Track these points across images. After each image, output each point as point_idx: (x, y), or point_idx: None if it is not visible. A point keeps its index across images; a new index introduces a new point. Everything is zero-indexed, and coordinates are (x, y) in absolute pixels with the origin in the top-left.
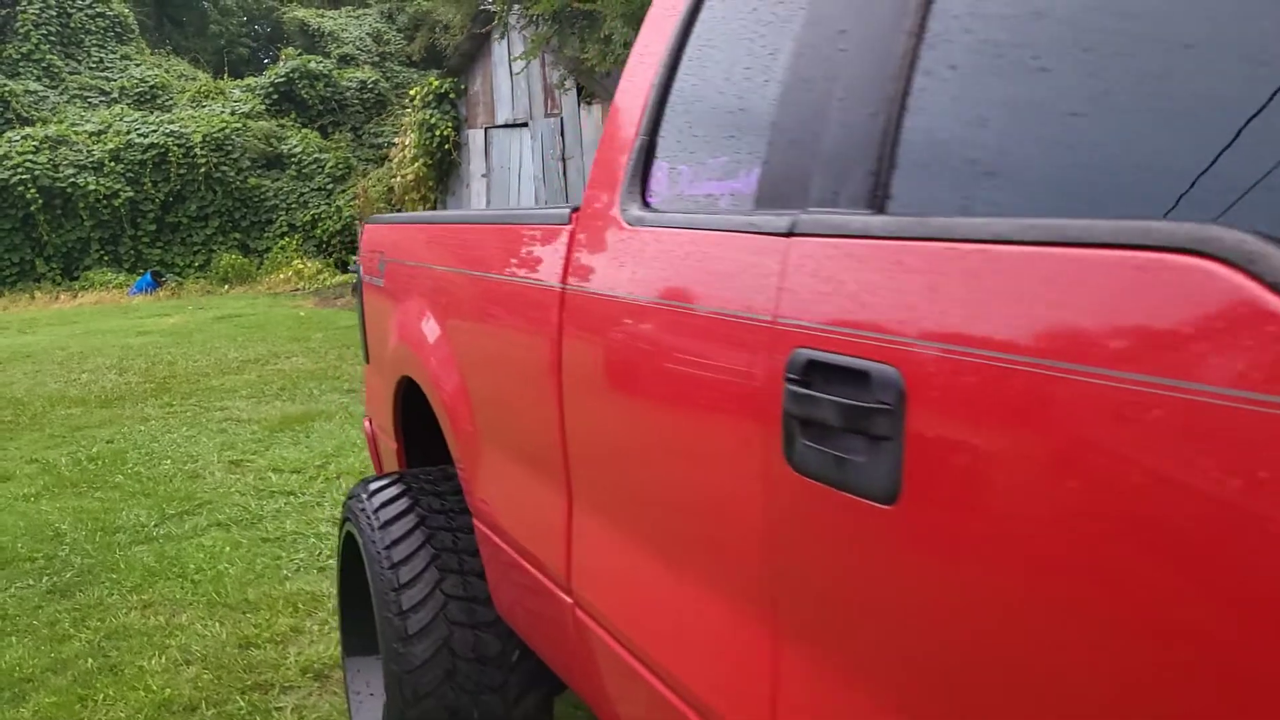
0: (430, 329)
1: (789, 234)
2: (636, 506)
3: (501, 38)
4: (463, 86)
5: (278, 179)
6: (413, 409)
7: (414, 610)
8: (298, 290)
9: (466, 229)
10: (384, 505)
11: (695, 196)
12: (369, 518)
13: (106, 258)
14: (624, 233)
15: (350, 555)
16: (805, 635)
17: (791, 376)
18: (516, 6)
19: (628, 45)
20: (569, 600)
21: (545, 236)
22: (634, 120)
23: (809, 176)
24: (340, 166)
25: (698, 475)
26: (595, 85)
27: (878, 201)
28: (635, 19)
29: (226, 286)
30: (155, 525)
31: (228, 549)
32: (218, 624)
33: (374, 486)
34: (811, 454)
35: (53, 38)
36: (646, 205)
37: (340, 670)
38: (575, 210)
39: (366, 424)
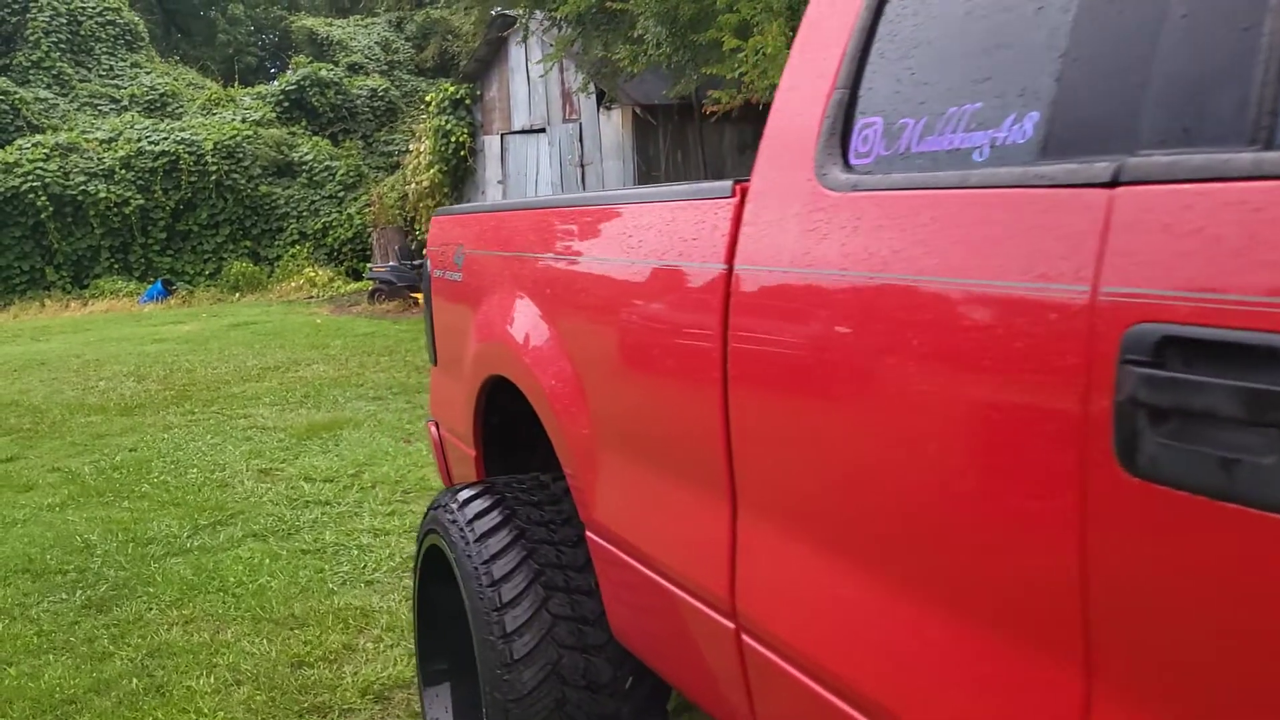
0: (532, 324)
1: (1113, 184)
2: (846, 519)
3: (523, 42)
4: (478, 92)
5: (289, 187)
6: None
7: (519, 633)
8: (311, 298)
9: (583, 212)
10: (479, 516)
11: (931, 153)
12: (462, 530)
13: (117, 266)
14: (827, 200)
15: (432, 572)
16: (1140, 693)
17: (1133, 358)
18: (538, 11)
19: (660, 46)
20: (730, 625)
21: (699, 214)
22: (826, 73)
23: (1134, 113)
24: (351, 174)
25: (957, 485)
26: (615, 90)
27: (1262, 135)
28: (669, 18)
29: (237, 294)
30: (188, 536)
31: (267, 561)
32: (265, 641)
33: (464, 496)
34: (1175, 455)
35: (63, 45)
36: (849, 168)
37: (403, 692)
38: (740, 183)
39: (432, 429)
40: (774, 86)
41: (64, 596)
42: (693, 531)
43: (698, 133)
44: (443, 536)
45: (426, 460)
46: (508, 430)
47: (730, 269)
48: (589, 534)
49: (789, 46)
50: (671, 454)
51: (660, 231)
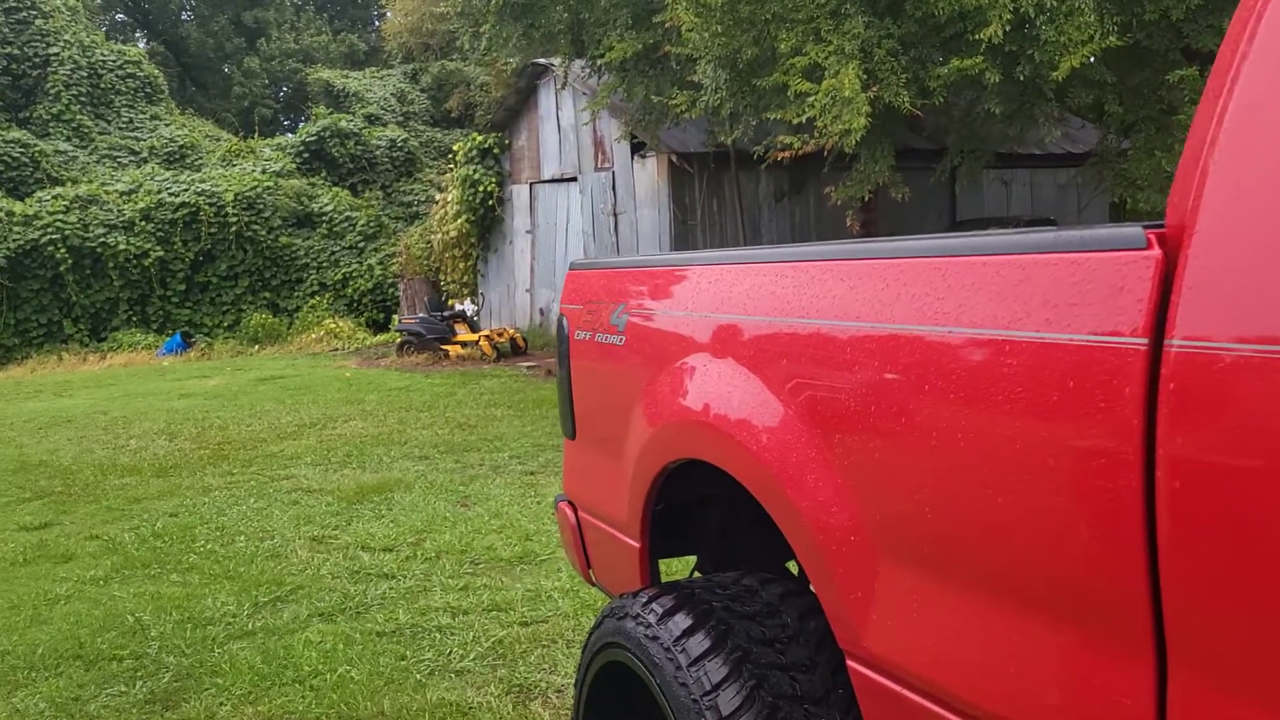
0: (758, 402)
1: None
2: None
3: (564, 88)
4: (507, 141)
5: (308, 237)
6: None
7: None
8: (336, 350)
9: (851, 268)
10: (688, 634)
11: None
12: (668, 651)
13: (135, 318)
14: None
15: (611, 695)
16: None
17: None
18: (577, 61)
19: (719, 90)
20: None
21: (1083, 270)
22: None
23: None
24: (371, 225)
25: None
26: (656, 138)
27: None
28: (730, 62)
29: (256, 347)
30: (248, 615)
31: (341, 646)
32: None
33: (663, 606)
34: None
35: (83, 98)
36: None
37: None
38: (1154, 229)
39: (566, 510)
40: (848, 131)
41: (123, 688)
42: (1072, 686)
43: (734, 181)
44: (636, 655)
45: (488, 526)
46: (669, 516)
47: (1157, 344)
48: (854, 665)
49: (863, 89)
50: (1030, 583)
51: (999, 292)
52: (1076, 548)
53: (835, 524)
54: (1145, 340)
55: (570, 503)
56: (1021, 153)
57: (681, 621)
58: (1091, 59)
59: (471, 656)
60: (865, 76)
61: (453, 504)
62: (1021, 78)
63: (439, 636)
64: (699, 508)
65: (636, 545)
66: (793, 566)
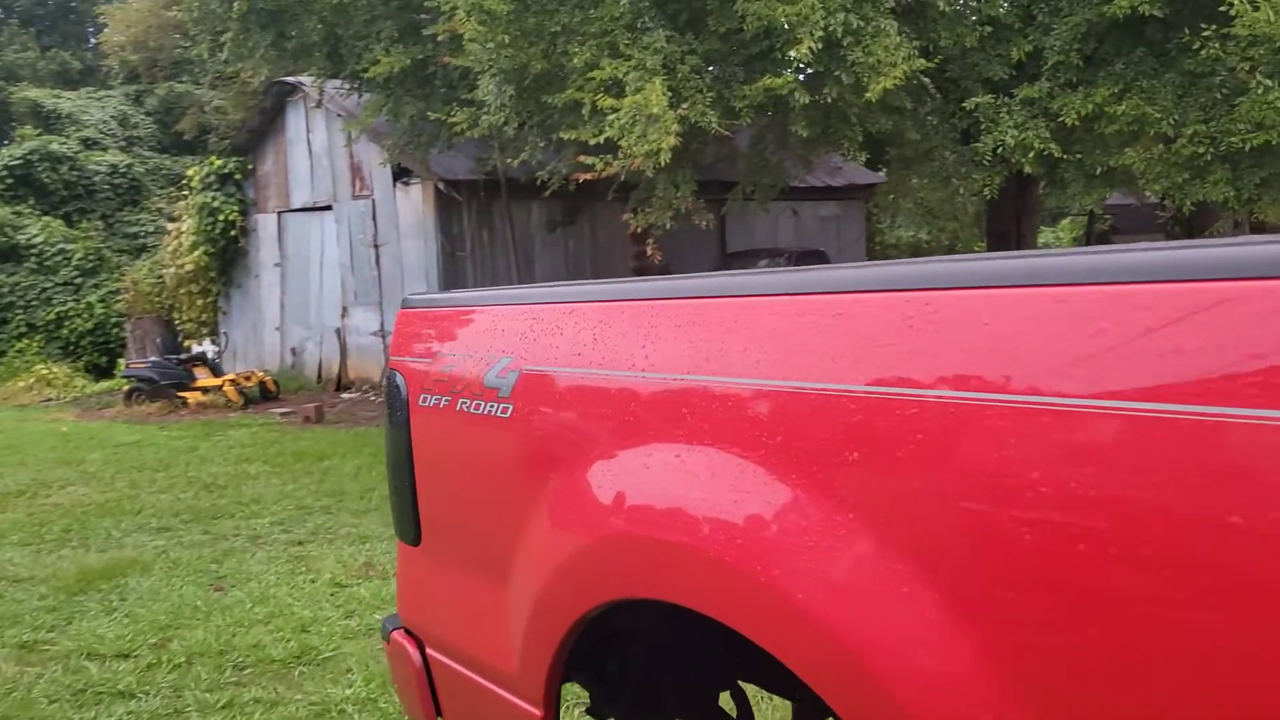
0: (807, 520)
1: None
2: None
3: (318, 107)
4: (250, 166)
5: (14, 273)
6: None
7: None
8: (50, 400)
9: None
10: None
11: None
12: None
13: None
14: None
15: None
16: None
17: None
18: (331, 82)
19: (506, 106)
20: None
21: None
22: None
23: None
24: (90, 258)
25: None
26: (424, 163)
27: None
28: (516, 76)
29: None
30: None
31: None
32: None
33: None
34: None
35: None
36: None
37: None
38: None
39: (405, 645)
40: (656, 151)
41: None
42: None
43: (506, 210)
44: None
45: (252, 616)
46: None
47: None
48: None
49: (672, 106)
50: None
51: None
52: None
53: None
54: None
55: (410, 633)
56: (790, 185)
57: None
58: (901, 81)
59: None
60: (670, 94)
61: (204, 588)
62: (829, 100)
63: None
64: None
65: (536, 713)
66: (726, 700)
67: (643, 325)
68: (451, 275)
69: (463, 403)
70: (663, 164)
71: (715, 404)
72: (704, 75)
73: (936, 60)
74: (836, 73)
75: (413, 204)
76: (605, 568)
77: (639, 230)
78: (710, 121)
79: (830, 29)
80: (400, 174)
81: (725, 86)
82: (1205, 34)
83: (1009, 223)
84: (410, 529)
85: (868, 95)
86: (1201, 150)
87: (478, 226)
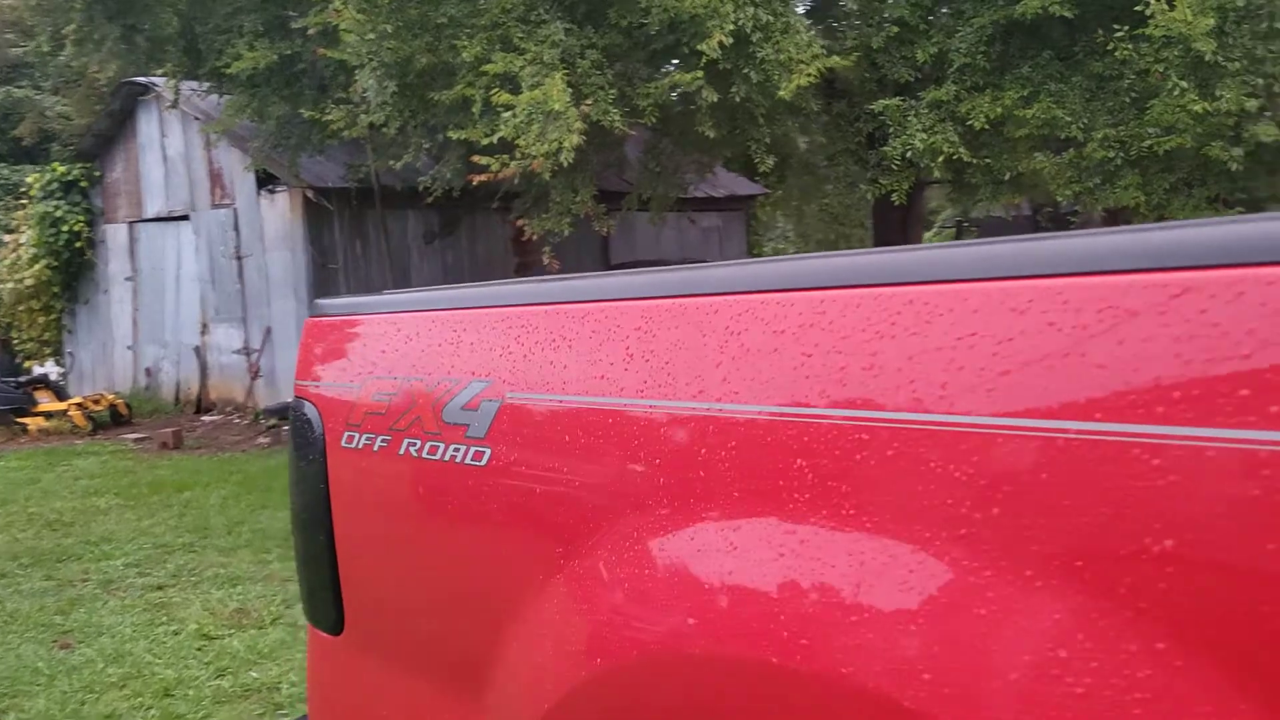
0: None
1: None
2: None
3: (172, 107)
4: (98, 173)
5: None
6: None
7: None
8: None
9: None
10: None
11: None
12: None
13: None
14: None
15: None
16: None
17: None
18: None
19: (387, 104)
20: None
21: None
22: None
23: None
24: None
25: None
26: (287, 168)
27: None
28: (400, 71)
29: None
30: None
31: None
32: None
33: None
34: None
35: None
36: None
37: None
38: None
39: None
40: (558, 150)
41: None
42: None
43: (380, 220)
44: None
45: (105, 678)
46: None
47: None
48: None
49: (575, 103)
50: None
51: None
52: None
53: None
54: None
55: None
56: (672, 196)
57: None
58: (814, 79)
59: None
60: (571, 90)
61: (47, 645)
62: (738, 98)
63: None
64: None
65: None
66: None
67: (722, 330)
68: (322, 289)
69: (410, 444)
70: (565, 164)
71: (883, 451)
72: (605, 71)
73: (851, 59)
74: (746, 70)
75: (279, 213)
76: (663, 701)
77: (534, 237)
78: (614, 120)
79: (740, 24)
80: (265, 181)
81: (628, 84)
82: (1118, 34)
83: (895, 231)
84: (327, 612)
85: (781, 93)
86: (1111, 154)
87: (350, 237)
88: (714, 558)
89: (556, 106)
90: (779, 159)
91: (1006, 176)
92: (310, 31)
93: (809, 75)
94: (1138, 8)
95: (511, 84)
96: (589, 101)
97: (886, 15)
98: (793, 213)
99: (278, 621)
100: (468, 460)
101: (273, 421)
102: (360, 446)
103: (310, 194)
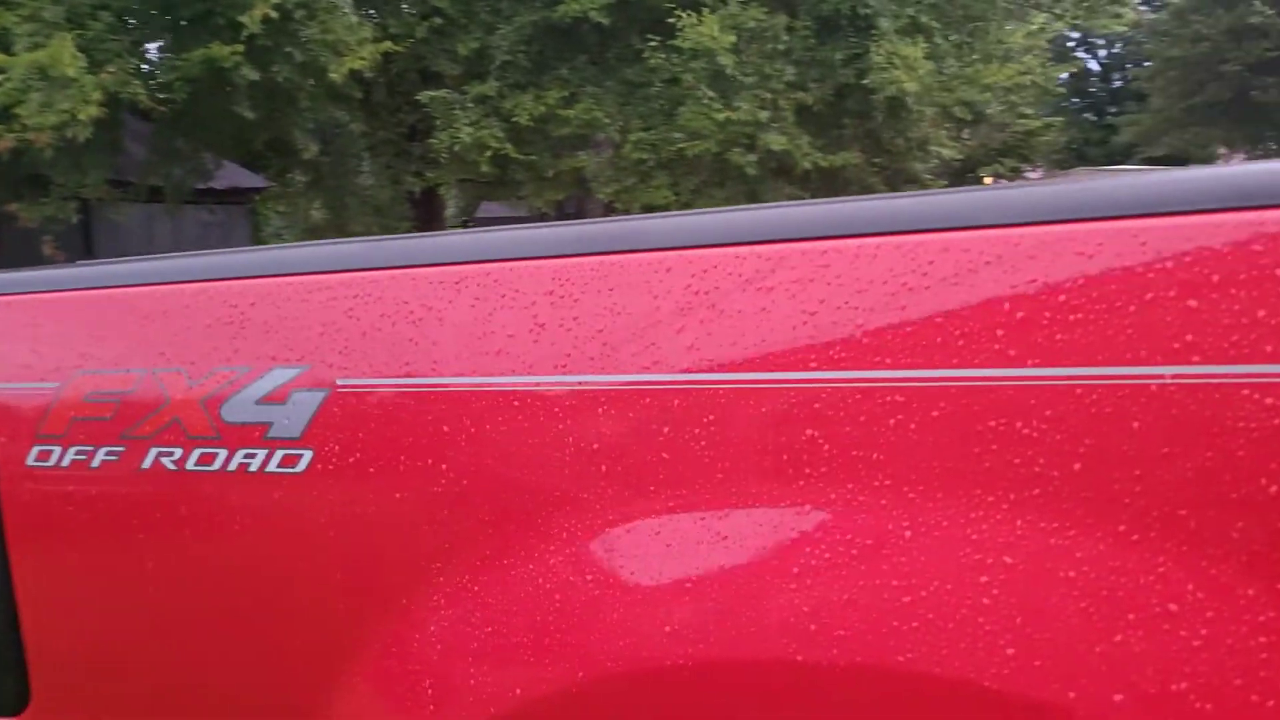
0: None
1: None
2: None
3: None
4: None
5: None
6: None
7: None
8: None
9: None
10: None
11: None
12: None
13: None
14: None
15: None
16: None
17: None
18: None
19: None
20: None
21: None
22: None
23: None
24: None
25: None
26: None
27: None
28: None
29: None
30: None
31: None
32: None
33: None
34: None
35: None
36: None
37: None
38: None
39: None
40: (71, 122)
41: None
42: None
43: None
44: None
45: None
46: None
47: None
48: None
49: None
50: None
51: None
52: None
53: None
54: None
55: None
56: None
57: None
58: (368, 64)
59: None
60: (86, 56)
61: None
62: (281, 79)
63: None
64: None
65: None
66: None
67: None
68: None
69: (163, 454)
70: (82, 138)
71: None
72: (122, 38)
73: (404, 45)
74: (288, 49)
75: None
76: None
77: (32, 225)
78: (136, 92)
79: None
80: None
81: (148, 53)
82: (652, 43)
83: (421, 229)
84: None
85: (332, 74)
86: (645, 156)
87: None
88: (699, 554)
89: (69, 73)
90: (306, 148)
91: (550, 174)
92: None
93: (361, 59)
94: (670, 19)
95: (2, 43)
96: (110, 69)
97: (428, 3)
98: (333, 203)
99: None
100: (273, 468)
101: None
102: (66, 464)
103: None
